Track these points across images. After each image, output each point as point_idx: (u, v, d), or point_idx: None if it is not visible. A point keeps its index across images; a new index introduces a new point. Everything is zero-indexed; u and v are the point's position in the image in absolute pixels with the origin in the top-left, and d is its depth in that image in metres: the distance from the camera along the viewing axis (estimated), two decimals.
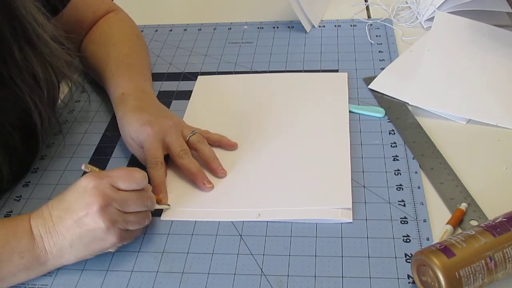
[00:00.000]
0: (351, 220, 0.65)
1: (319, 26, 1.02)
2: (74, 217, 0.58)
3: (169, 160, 0.74)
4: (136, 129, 0.73)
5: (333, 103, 0.82)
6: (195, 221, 0.67)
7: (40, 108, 0.70)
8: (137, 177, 0.61)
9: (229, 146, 0.76)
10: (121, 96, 0.78)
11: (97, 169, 0.64)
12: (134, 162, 0.75)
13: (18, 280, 0.61)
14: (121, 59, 0.84)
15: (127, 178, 0.60)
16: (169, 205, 0.68)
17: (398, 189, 0.68)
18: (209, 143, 0.75)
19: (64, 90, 0.92)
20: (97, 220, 0.58)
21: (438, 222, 0.64)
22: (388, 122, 0.79)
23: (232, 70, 0.92)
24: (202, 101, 0.86)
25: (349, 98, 0.83)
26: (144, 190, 0.62)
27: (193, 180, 0.71)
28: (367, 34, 0.98)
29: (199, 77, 0.91)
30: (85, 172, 0.63)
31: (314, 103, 0.83)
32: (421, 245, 0.61)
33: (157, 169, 0.70)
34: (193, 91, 0.88)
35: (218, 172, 0.72)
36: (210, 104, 0.85)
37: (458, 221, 0.63)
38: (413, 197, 0.67)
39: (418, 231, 0.63)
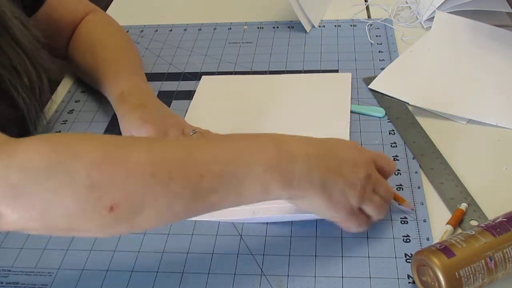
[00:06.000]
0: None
1: (319, 26, 1.02)
2: (339, 163, 0.56)
3: None
4: (138, 127, 0.73)
5: (335, 103, 0.82)
6: (195, 221, 0.67)
7: (23, 95, 0.70)
8: (391, 162, 0.62)
9: None
10: (120, 95, 0.78)
11: None
12: None
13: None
14: (110, 60, 0.83)
15: (386, 158, 0.61)
16: (413, 209, 0.66)
17: (398, 189, 0.68)
18: None
19: (64, 90, 0.92)
20: (355, 182, 0.56)
21: (438, 222, 0.64)
22: (388, 122, 0.79)
23: (232, 70, 0.92)
24: (205, 101, 0.86)
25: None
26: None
27: None
28: (367, 34, 0.98)
29: (203, 77, 0.91)
30: None
31: (316, 104, 0.82)
32: (421, 245, 0.61)
33: None
34: (196, 90, 0.88)
35: None
36: (213, 104, 0.85)
37: (458, 221, 0.63)
38: (413, 197, 0.67)
39: (418, 231, 0.63)
